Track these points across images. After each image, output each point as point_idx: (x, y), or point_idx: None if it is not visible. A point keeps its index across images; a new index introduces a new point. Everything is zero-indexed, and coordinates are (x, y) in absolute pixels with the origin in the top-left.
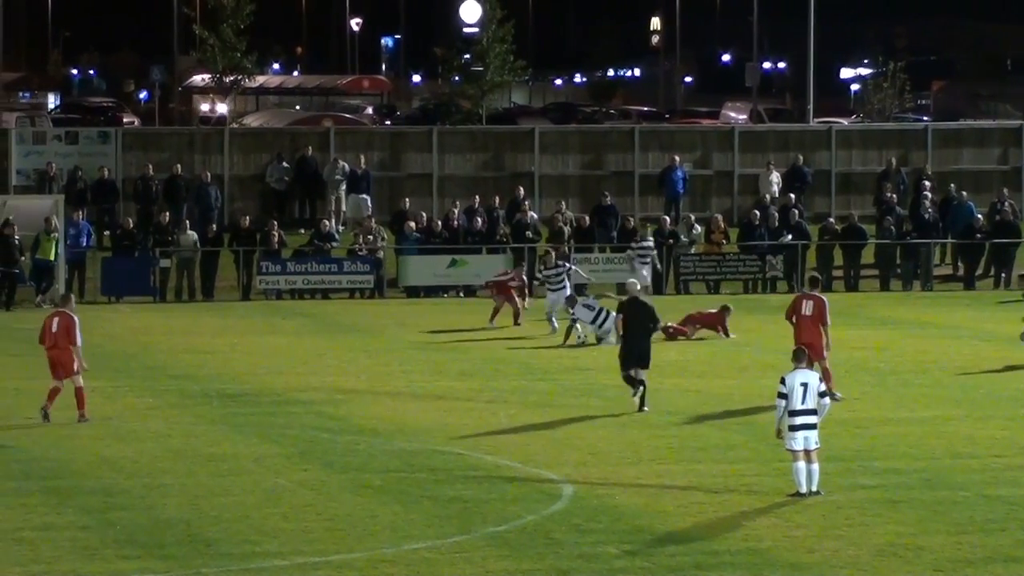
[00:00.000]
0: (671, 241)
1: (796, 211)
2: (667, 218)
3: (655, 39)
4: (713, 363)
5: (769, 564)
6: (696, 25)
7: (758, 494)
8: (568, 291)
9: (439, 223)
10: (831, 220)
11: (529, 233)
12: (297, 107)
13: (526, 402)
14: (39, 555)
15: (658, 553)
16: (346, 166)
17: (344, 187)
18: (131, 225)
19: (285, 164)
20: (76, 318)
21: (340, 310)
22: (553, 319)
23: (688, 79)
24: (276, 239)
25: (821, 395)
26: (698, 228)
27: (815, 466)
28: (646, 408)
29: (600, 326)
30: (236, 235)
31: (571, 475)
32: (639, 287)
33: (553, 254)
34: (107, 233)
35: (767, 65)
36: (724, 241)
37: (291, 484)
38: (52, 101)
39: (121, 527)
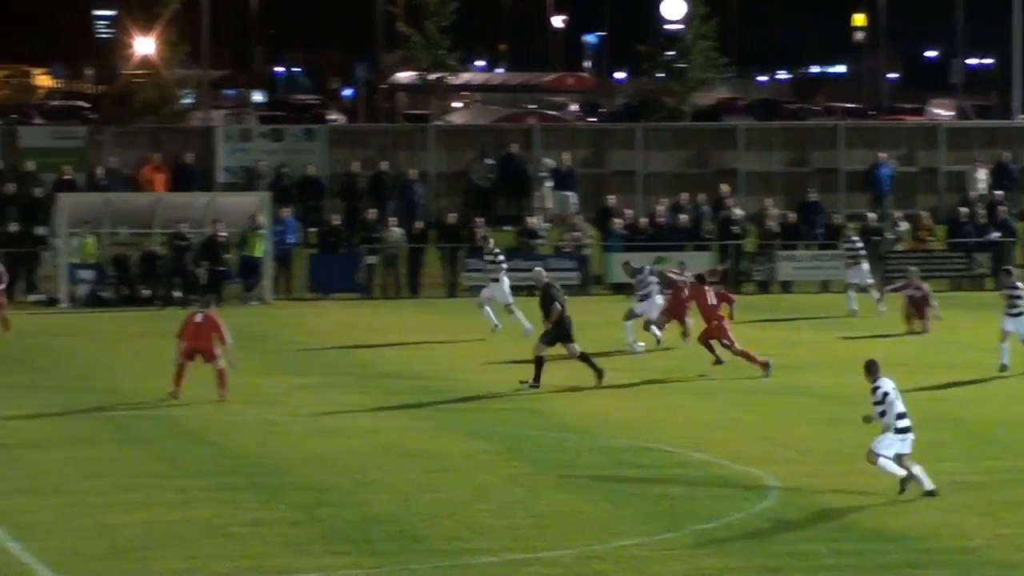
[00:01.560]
0: (876, 238)
1: (1002, 208)
2: (873, 215)
3: (859, 35)
4: (921, 360)
5: (980, 563)
6: (900, 21)
7: (967, 492)
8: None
9: (644, 220)
10: None
11: (735, 229)
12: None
13: (734, 399)
14: (248, 550)
15: (868, 551)
16: (551, 163)
17: (549, 184)
18: (337, 222)
19: (490, 161)
20: (221, 321)
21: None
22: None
23: (892, 76)
24: (481, 236)
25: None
26: (904, 225)
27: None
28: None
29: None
30: (441, 232)
31: (779, 472)
32: (545, 273)
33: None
34: (313, 230)
35: (972, 61)
36: (930, 238)
37: (499, 481)
38: (257, 98)
39: (330, 523)
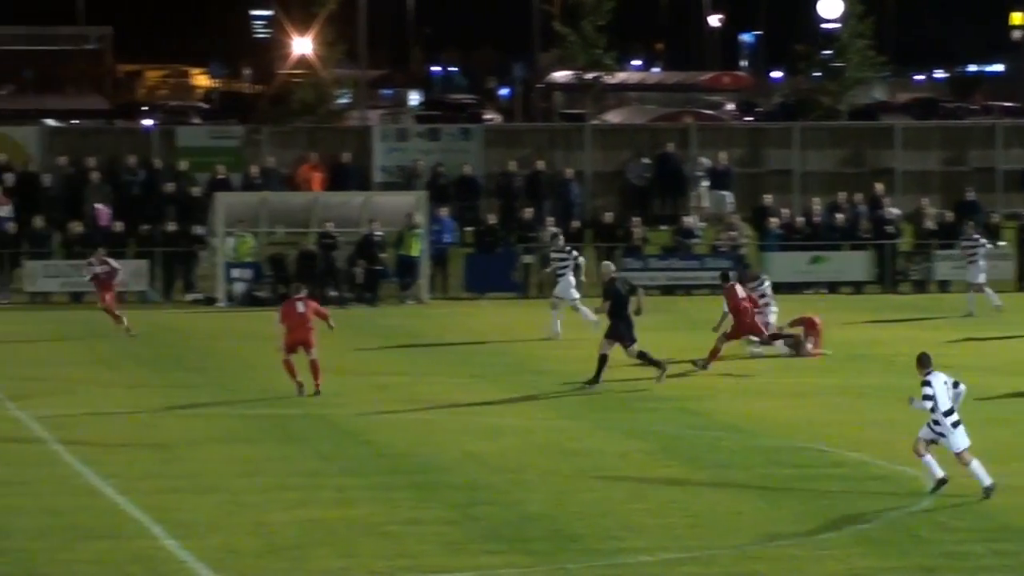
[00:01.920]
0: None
1: None
2: None
3: (1017, 34)
4: None
5: None
6: None
7: None
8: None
9: (800, 219)
10: None
11: (891, 228)
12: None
13: (889, 398)
14: (405, 549)
15: None
16: (707, 162)
17: (705, 183)
18: (493, 221)
19: (646, 161)
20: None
21: (701, 306)
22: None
23: None
24: (637, 235)
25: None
26: None
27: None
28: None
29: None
30: (597, 231)
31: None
32: (614, 268)
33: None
34: (469, 229)
35: None
36: None
37: (656, 480)
38: (414, 98)
39: (486, 522)
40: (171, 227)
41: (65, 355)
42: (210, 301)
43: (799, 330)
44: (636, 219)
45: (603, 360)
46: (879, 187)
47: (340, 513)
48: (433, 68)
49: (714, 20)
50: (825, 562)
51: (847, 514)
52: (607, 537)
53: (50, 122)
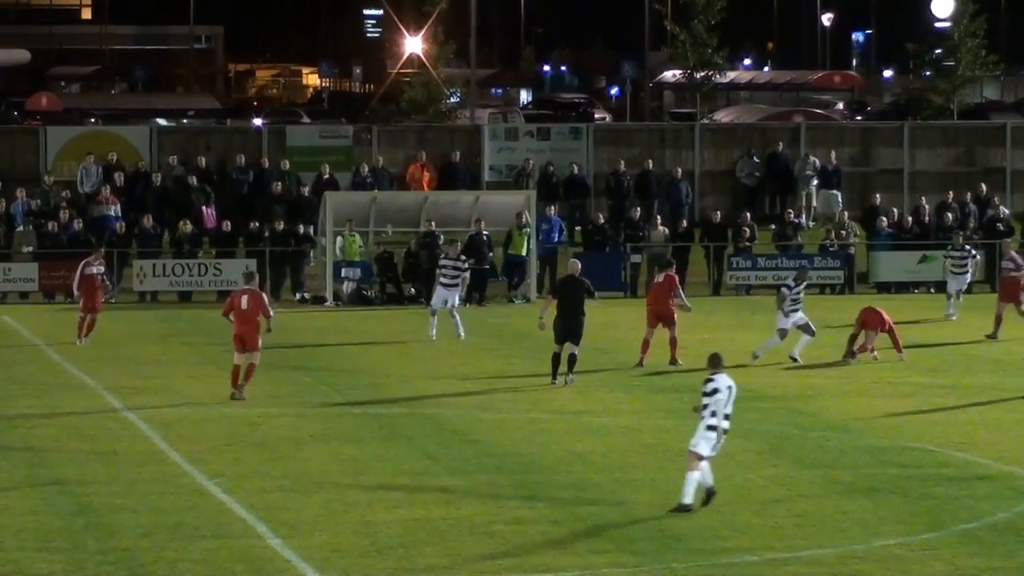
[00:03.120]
0: None
1: None
2: None
3: None
4: None
5: None
6: None
7: None
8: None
9: (910, 219)
10: None
11: (1000, 226)
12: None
13: (998, 399)
14: (510, 548)
15: None
16: (817, 162)
17: (815, 183)
18: (602, 220)
19: (756, 159)
20: (264, 295)
21: (810, 306)
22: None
23: None
24: (747, 235)
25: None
26: None
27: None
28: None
29: None
30: (707, 230)
31: None
32: (579, 266)
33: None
34: (578, 228)
35: None
36: None
37: (761, 480)
38: (524, 97)
39: (591, 521)
40: (280, 226)
41: (172, 354)
42: (318, 300)
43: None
44: (747, 216)
45: (556, 359)
46: (981, 187)
47: (445, 512)
48: (544, 67)
49: (825, 19)
50: (930, 562)
51: (953, 514)
52: (712, 537)
53: (161, 121)
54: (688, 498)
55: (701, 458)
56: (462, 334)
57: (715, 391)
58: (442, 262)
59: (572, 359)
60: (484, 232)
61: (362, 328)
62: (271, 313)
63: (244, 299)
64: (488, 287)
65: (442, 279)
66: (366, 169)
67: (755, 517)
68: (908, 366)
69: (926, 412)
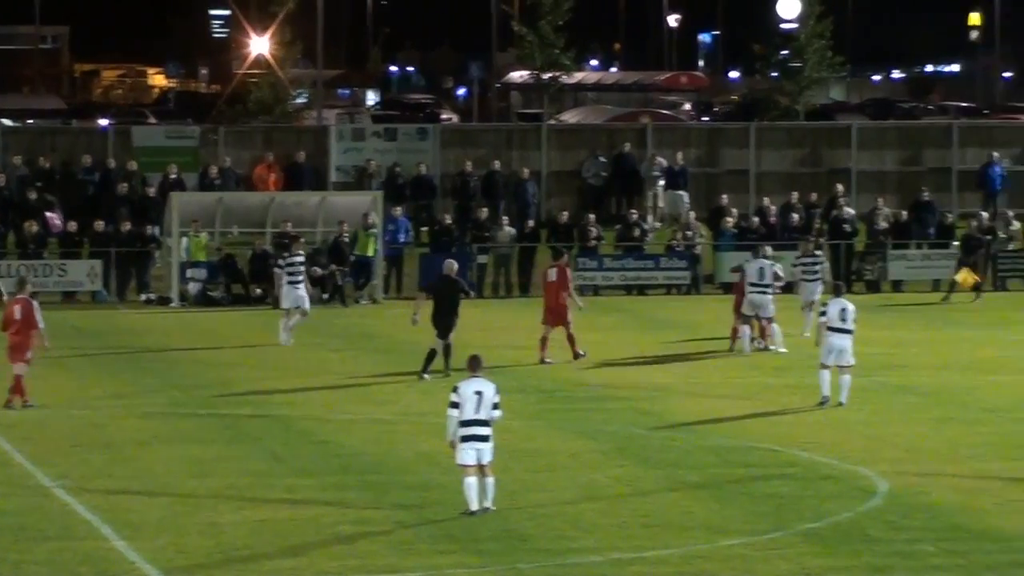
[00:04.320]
0: (989, 238)
1: None
2: (984, 214)
3: (974, 34)
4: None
5: None
6: (1017, 19)
7: None
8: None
9: (756, 219)
10: None
11: (847, 227)
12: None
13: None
14: (356, 549)
15: (975, 551)
16: (663, 162)
17: (661, 183)
18: (448, 221)
19: (602, 160)
20: (35, 303)
21: (656, 306)
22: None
23: (1008, 74)
24: (593, 235)
25: (495, 406)
26: (1016, 224)
27: (490, 480)
28: (427, 377)
29: None
30: (553, 231)
31: (887, 472)
32: (456, 267)
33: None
34: (425, 229)
35: None
36: None
37: (607, 480)
38: (371, 98)
39: (437, 522)
40: (126, 227)
41: None
42: (164, 301)
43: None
44: (591, 217)
45: (431, 354)
46: (839, 187)
47: (291, 513)
48: (391, 68)
49: (672, 20)
50: (775, 562)
51: (798, 514)
52: (558, 537)
53: (6, 122)
54: (472, 504)
55: (470, 467)
56: (287, 340)
57: (458, 403)
58: (290, 260)
59: (447, 350)
60: (344, 235)
61: (208, 329)
62: (41, 325)
63: (17, 308)
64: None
65: (288, 279)
66: (214, 170)
67: (601, 517)
68: (754, 366)
69: (772, 413)
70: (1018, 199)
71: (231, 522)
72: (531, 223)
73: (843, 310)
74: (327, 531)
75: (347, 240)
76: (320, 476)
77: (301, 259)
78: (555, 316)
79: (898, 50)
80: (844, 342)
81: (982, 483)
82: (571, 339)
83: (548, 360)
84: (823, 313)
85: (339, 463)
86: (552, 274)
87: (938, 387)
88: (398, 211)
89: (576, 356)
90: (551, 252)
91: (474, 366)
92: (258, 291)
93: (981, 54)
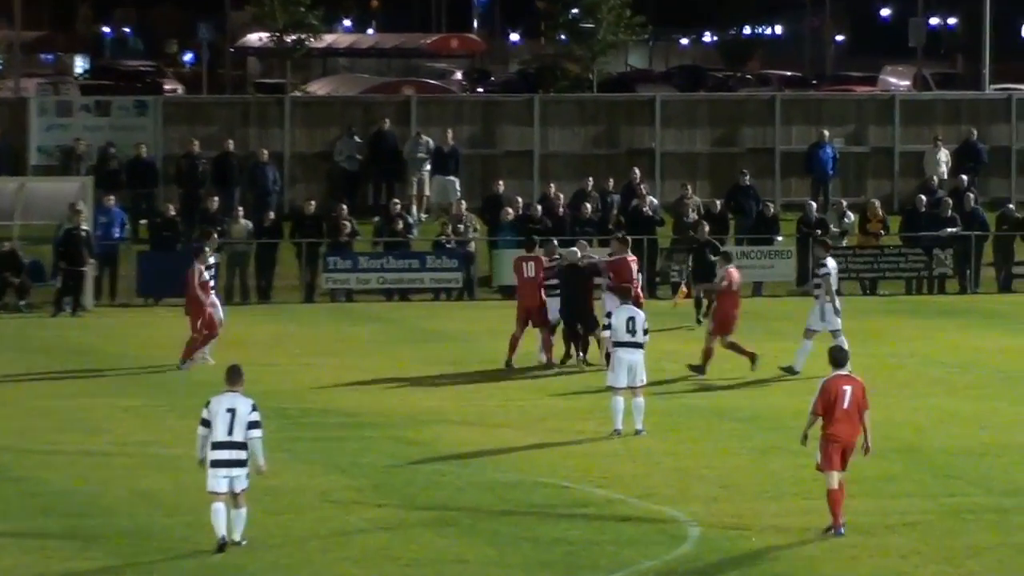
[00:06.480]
0: (819, 232)
1: (970, 196)
2: (813, 204)
3: None
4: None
5: None
6: None
7: (922, 536)
8: None
9: (540, 210)
10: (1011, 206)
11: (648, 210)
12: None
13: (647, 425)
14: None
15: None
16: (430, 142)
17: (428, 167)
18: (173, 212)
19: (357, 140)
20: None
21: (423, 314)
22: None
23: (840, 38)
24: (346, 229)
25: (252, 425)
26: (851, 216)
27: (242, 511)
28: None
29: None
30: (298, 224)
31: (698, 513)
32: (578, 254)
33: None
34: (144, 222)
35: (934, 21)
36: (882, 232)
37: (363, 523)
38: (80, 65)
39: (158, 572)
40: None
41: None
42: None
43: None
44: (344, 208)
45: None
46: (637, 172)
47: None
48: (103, 29)
49: None
50: None
51: (592, 562)
52: None
53: None
54: (220, 531)
55: (220, 495)
56: None
57: (209, 420)
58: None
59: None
60: (83, 228)
61: None
62: None
63: None
64: (34, 293)
65: None
66: None
67: (356, 567)
68: (539, 387)
69: (561, 443)
70: (853, 186)
71: None
72: (272, 215)
73: (631, 319)
74: None
75: (85, 234)
76: (16, 520)
77: None
78: (536, 316)
79: (709, 9)
80: (635, 357)
81: (807, 522)
82: (547, 344)
83: (515, 364)
84: (607, 326)
85: (39, 503)
86: (529, 268)
87: (758, 411)
88: (111, 200)
89: (549, 364)
90: (524, 242)
91: (233, 379)
92: None
93: (808, 14)
